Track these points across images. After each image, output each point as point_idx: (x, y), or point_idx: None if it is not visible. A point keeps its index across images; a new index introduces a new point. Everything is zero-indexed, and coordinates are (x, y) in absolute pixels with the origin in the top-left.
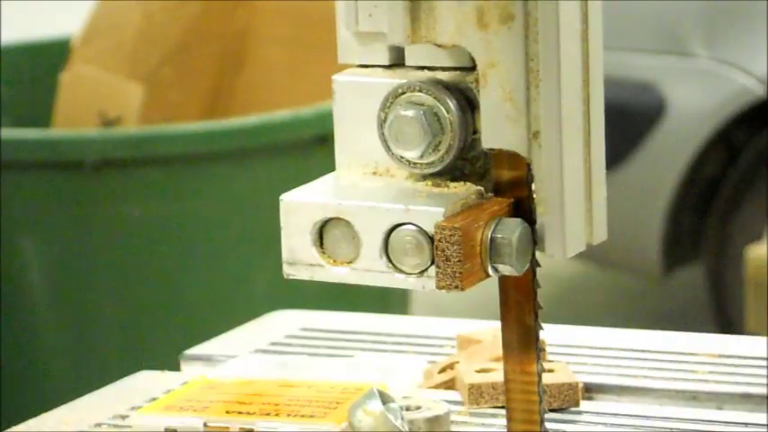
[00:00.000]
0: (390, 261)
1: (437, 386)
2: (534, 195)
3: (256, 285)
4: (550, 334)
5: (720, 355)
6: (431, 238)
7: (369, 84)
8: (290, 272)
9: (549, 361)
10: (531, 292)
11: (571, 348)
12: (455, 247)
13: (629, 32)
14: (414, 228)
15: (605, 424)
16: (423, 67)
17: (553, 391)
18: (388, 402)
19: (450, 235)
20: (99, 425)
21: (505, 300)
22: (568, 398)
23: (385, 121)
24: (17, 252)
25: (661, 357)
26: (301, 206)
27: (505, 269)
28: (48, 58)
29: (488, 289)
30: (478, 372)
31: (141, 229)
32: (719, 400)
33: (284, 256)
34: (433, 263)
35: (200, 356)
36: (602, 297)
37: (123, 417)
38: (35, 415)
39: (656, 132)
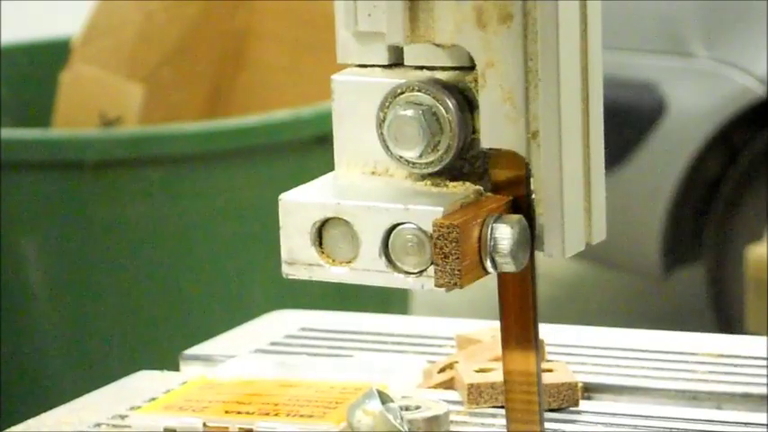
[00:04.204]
0: (389, 261)
1: (436, 386)
2: (533, 195)
3: (256, 285)
4: (550, 334)
5: (720, 355)
6: (431, 238)
7: (368, 83)
8: (289, 272)
9: (549, 361)
10: (530, 290)
11: (570, 348)
12: (453, 244)
13: (629, 32)
14: (415, 227)
15: (604, 424)
16: (422, 67)
17: (552, 391)
18: (388, 402)
19: (449, 232)
20: (98, 425)
21: (504, 298)
22: (567, 398)
23: (384, 120)
24: (17, 252)
25: (661, 357)
26: (300, 206)
27: (504, 265)
28: (48, 58)
29: (487, 289)
30: (478, 372)
31: (141, 229)
32: (719, 399)
33: (283, 255)
34: (433, 263)
35: (200, 356)
36: (603, 297)
37: (122, 417)
38: (35, 415)
39: (656, 132)
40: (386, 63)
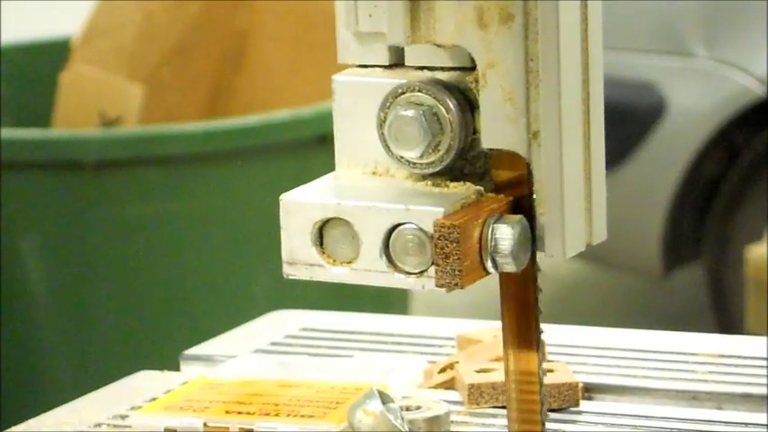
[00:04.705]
0: (390, 261)
1: (437, 386)
2: (534, 195)
3: (256, 285)
4: (550, 334)
5: (720, 355)
6: (432, 238)
7: (368, 84)
8: (289, 272)
9: (549, 361)
10: (531, 291)
11: (571, 348)
12: (454, 244)
13: (629, 32)
14: (416, 227)
15: (605, 424)
16: (422, 68)
17: (553, 391)
18: (388, 402)
19: (450, 233)
20: (99, 425)
21: (506, 298)
22: (568, 398)
23: (385, 121)
24: (17, 252)
25: (661, 357)
26: (301, 206)
27: (505, 266)
28: (48, 58)
29: (488, 289)
30: (478, 372)
31: (141, 229)
32: (719, 400)
33: (284, 256)
34: (434, 263)
35: (200, 356)
36: (602, 297)
37: (123, 417)
38: (35, 415)
39: (656, 132)
40: (387, 63)
